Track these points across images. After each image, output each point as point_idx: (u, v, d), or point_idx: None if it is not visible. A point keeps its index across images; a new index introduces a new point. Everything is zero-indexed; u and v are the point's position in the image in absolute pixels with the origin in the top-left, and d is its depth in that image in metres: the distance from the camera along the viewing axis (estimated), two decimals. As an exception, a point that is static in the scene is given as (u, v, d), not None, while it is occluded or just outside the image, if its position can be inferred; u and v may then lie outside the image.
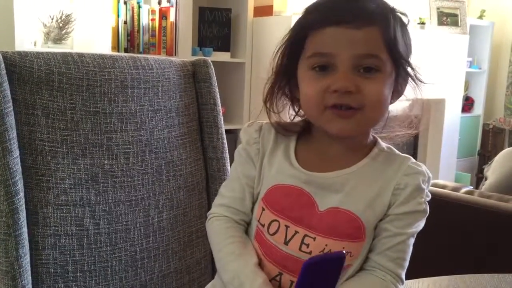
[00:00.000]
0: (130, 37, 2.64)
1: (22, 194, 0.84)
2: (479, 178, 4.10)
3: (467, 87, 4.26)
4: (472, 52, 4.13)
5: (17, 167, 0.83)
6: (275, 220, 0.74)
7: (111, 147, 0.95)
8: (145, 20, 2.68)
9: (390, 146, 0.78)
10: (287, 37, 0.75)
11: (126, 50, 2.61)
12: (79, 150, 0.92)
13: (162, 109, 1.02)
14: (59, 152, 0.89)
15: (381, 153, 0.76)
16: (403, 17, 0.74)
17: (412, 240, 0.74)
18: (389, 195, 0.73)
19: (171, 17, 2.74)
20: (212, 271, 1.10)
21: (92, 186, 0.92)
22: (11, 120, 0.83)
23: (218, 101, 1.10)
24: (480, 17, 4.21)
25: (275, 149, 0.78)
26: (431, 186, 0.76)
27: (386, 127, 0.78)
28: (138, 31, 2.65)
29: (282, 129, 0.78)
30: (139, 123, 0.99)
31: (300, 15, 0.75)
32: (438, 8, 3.77)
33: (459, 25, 3.80)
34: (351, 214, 0.72)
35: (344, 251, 0.66)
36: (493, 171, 1.98)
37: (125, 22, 2.61)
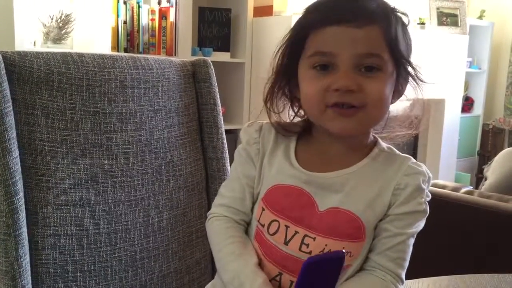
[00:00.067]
0: (129, 37, 2.64)
1: (21, 194, 0.84)
2: (478, 178, 4.10)
3: (467, 87, 4.27)
4: (472, 52, 4.13)
5: (17, 167, 0.83)
6: (275, 220, 0.74)
7: (111, 147, 0.95)
8: (145, 20, 2.68)
9: (391, 146, 0.78)
10: (287, 36, 0.75)
11: (126, 50, 2.61)
12: (78, 150, 0.92)
13: (162, 109, 1.02)
14: (58, 152, 0.89)
15: (381, 153, 0.76)
16: (403, 17, 0.74)
17: (412, 240, 0.74)
18: (389, 195, 0.72)
19: (171, 17, 2.74)
20: (212, 271, 1.10)
21: (91, 186, 0.92)
22: (10, 120, 0.83)
23: (218, 101, 1.10)
24: (480, 17, 4.21)
25: (275, 149, 0.78)
26: (431, 186, 0.76)
27: (387, 127, 0.78)
28: (138, 31, 2.65)
29: (282, 129, 0.78)
30: (139, 123, 0.99)
31: (301, 15, 0.75)
32: (438, 8, 3.77)
33: (459, 25, 3.80)
34: (351, 214, 0.72)
35: (343, 251, 0.66)
36: (493, 171, 1.98)
37: (125, 22, 2.61)
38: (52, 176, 0.88)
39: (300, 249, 0.73)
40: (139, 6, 2.64)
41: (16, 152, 0.84)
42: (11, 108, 0.84)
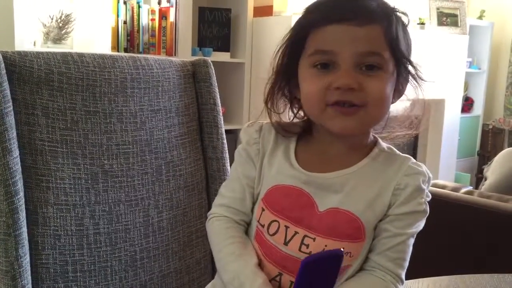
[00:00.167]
0: (130, 37, 2.64)
1: (22, 194, 0.84)
2: (478, 178, 4.10)
3: (466, 87, 4.27)
4: (472, 52, 4.13)
5: (17, 167, 0.83)
6: (275, 221, 0.74)
7: (111, 147, 0.95)
8: (145, 20, 2.68)
9: (391, 146, 0.78)
10: (287, 36, 0.75)
11: (126, 50, 2.61)
12: (79, 150, 0.92)
13: (162, 109, 1.02)
14: (59, 152, 0.89)
15: (381, 153, 0.76)
16: (403, 17, 0.74)
17: (412, 241, 0.74)
18: (389, 195, 0.72)
19: (171, 17, 2.74)
20: (212, 271, 1.10)
21: (92, 186, 0.92)
22: (11, 120, 0.83)
23: (218, 101, 1.10)
24: (480, 17, 4.21)
25: (275, 150, 0.78)
26: (430, 186, 0.76)
27: (387, 127, 0.78)
28: (138, 31, 2.65)
29: (283, 129, 0.78)
30: (139, 123, 0.99)
31: (301, 15, 0.75)
32: (437, 9, 3.77)
33: (459, 25, 3.80)
34: (351, 215, 0.72)
35: (342, 249, 0.65)
36: (493, 171, 1.98)
37: (125, 22, 2.61)
38: (52, 176, 0.88)
39: (300, 250, 0.73)
40: (139, 6, 2.64)
41: (16, 152, 0.84)
42: (11, 108, 0.84)
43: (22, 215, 0.83)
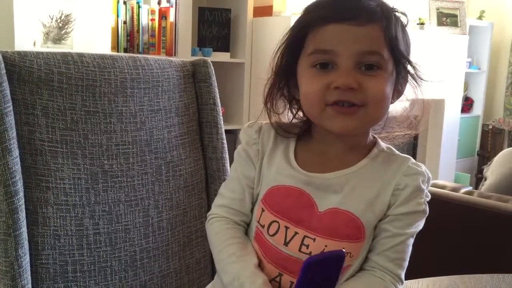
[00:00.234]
0: (129, 37, 2.64)
1: (21, 194, 0.84)
2: (478, 178, 4.10)
3: (466, 87, 4.27)
4: (472, 52, 4.13)
5: (17, 167, 0.83)
6: (275, 221, 0.74)
7: (111, 147, 0.95)
8: (144, 20, 2.68)
9: (390, 146, 0.78)
10: (286, 36, 0.75)
11: (125, 50, 2.61)
12: (78, 150, 0.92)
13: (161, 109, 1.02)
14: (58, 152, 0.89)
15: (380, 154, 0.76)
16: (402, 17, 0.74)
17: (411, 241, 0.74)
18: (389, 196, 0.72)
19: (171, 17, 2.74)
20: (211, 271, 1.10)
21: (91, 186, 0.92)
22: (10, 120, 0.83)
23: (218, 101, 1.10)
24: (480, 17, 4.22)
25: (275, 150, 0.78)
26: (430, 186, 0.76)
27: (386, 127, 0.78)
28: (138, 31, 2.65)
29: (282, 130, 0.78)
30: (139, 123, 0.99)
31: (300, 14, 0.75)
32: (437, 9, 3.77)
33: (459, 25, 3.80)
34: (350, 215, 0.72)
35: (343, 250, 0.65)
36: (493, 171, 1.98)
37: (125, 22, 2.61)
38: (52, 176, 0.88)
39: (300, 250, 0.73)
40: (139, 6, 2.64)
41: (16, 152, 0.84)
42: (11, 108, 0.84)
43: (22, 215, 0.83)
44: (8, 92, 0.84)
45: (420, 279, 0.94)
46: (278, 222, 0.74)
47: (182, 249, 1.05)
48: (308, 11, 0.74)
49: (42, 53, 0.91)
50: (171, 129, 1.04)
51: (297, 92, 0.75)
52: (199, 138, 1.09)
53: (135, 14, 2.64)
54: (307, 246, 0.72)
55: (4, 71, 0.84)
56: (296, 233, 0.73)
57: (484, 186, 1.94)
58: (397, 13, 0.73)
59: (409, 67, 0.74)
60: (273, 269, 0.74)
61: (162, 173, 1.02)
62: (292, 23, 0.76)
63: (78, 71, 0.92)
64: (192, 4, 2.80)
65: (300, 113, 0.79)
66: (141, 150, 0.99)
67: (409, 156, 0.76)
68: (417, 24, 3.65)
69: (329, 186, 0.73)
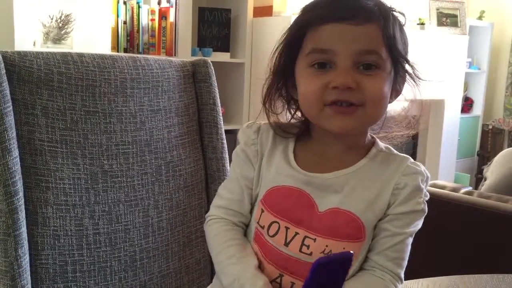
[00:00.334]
0: (129, 37, 2.64)
1: (21, 194, 0.84)
2: (478, 178, 4.10)
3: (466, 87, 4.27)
4: (472, 52, 4.13)
5: (17, 167, 0.83)
6: (275, 222, 0.74)
7: (111, 147, 0.95)
8: (144, 20, 2.68)
9: (389, 146, 0.78)
10: (284, 36, 0.75)
11: (125, 50, 2.61)
12: (78, 150, 0.92)
13: (161, 109, 1.02)
14: (58, 152, 0.89)
15: (379, 153, 0.76)
16: (400, 16, 0.74)
17: (410, 240, 0.74)
18: (388, 195, 0.73)
19: (171, 17, 2.74)
20: (211, 271, 1.10)
21: (91, 186, 0.92)
22: (10, 120, 0.83)
23: (218, 101, 1.10)
24: (480, 17, 4.22)
25: (274, 150, 0.77)
26: (430, 186, 0.77)
27: (384, 127, 0.78)
28: (138, 31, 2.65)
29: (281, 130, 0.77)
30: (139, 123, 0.99)
31: (298, 14, 0.75)
32: (437, 9, 3.77)
33: (459, 25, 3.80)
34: (351, 215, 0.72)
35: (351, 252, 0.65)
36: (492, 171, 1.98)
37: (125, 22, 2.61)
38: (52, 176, 0.88)
39: (300, 250, 0.73)
40: (139, 6, 2.64)
41: (16, 152, 0.84)
42: (11, 108, 0.84)
43: (22, 215, 0.83)
44: (8, 92, 0.84)
45: (420, 279, 0.93)
46: (278, 223, 0.74)
47: (182, 249, 1.05)
48: (306, 10, 0.74)
49: (42, 53, 0.90)
50: (171, 129, 1.04)
51: (295, 92, 0.75)
52: (199, 138, 1.09)
53: (135, 14, 2.64)
54: (308, 247, 0.72)
55: (4, 71, 0.84)
56: (296, 233, 0.73)
57: (484, 186, 1.94)
58: (394, 13, 0.73)
59: (407, 67, 0.74)
60: (274, 270, 0.74)
61: (162, 173, 1.02)
62: (292, 23, 0.76)
63: (78, 71, 0.92)
64: (192, 4, 2.80)
65: (299, 113, 0.78)
66: (141, 150, 0.99)
67: (408, 156, 0.76)
68: (417, 24, 3.65)
69: (329, 186, 0.73)
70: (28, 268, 0.84)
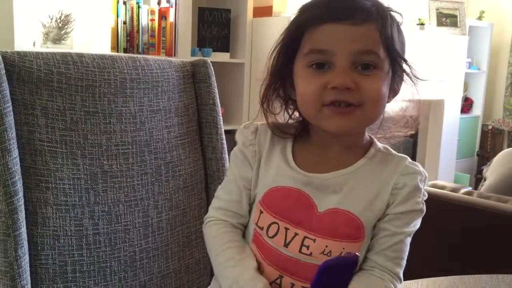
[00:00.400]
0: (129, 38, 2.64)
1: (21, 194, 0.84)
2: (478, 179, 4.10)
3: (466, 88, 4.27)
4: (471, 53, 4.13)
5: (16, 167, 0.83)
6: (275, 223, 0.74)
7: (111, 148, 0.95)
8: (144, 20, 2.68)
9: (386, 146, 0.78)
10: (282, 36, 0.75)
11: (125, 51, 2.61)
12: (78, 150, 0.92)
13: (161, 110, 1.02)
14: (58, 152, 0.89)
15: (377, 153, 0.76)
16: (397, 16, 0.74)
17: (409, 239, 0.74)
18: (387, 195, 0.73)
19: (171, 18, 2.74)
20: (211, 272, 1.10)
21: (91, 187, 0.92)
22: (10, 120, 0.83)
23: (218, 101, 1.10)
24: (479, 18, 4.22)
25: (272, 151, 0.77)
26: (430, 187, 0.77)
27: (382, 127, 0.78)
28: (138, 31, 2.65)
29: (279, 130, 0.77)
30: (139, 124, 0.99)
31: (296, 14, 0.75)
32: (437, 9, 3.77)
33: (458, 26, 3.80)
34: (350, 215, 0.72)
35: (357, 254, 0.66)
36: (492, 172, 1.98)
37: (125, 23, 2.61)
38: (52, 176, 0.88)
39: (300, 251, 0.73)
40: (138, 7, 2.64)
41: (15, 153, 0.84)
42: (11, 108, 0.84)
43: (22, 215, 0.83)
44: (7, 92, 0.84)
45: (420, 280, 0.94)
46: (277, 224, 0.74)
47: (181, 250, 1.05)
48: (304, 11, 0.74)
49: (41, 53, 0.90)
50: (171, 129, 1.04)
51: (293, 93, 0.75)
52: (198, 139, 1.09)
53: (135, 14, 2.64)
54: (308, 247, 0.72)
55: (4, 71, 0.84)
56: (296, 234, 0.73)
57: (484, 187, 1.94)
58: (392, 12, 0.73)
59: (404, 66, 0.74)
60: (273, 271, 0.74)
61: (162, 174, 1.02)
62: (292, 24, 0.76)
63: (78, 72, 0.92)
64: (192, 4, 2.80)
65: (296, 113, 0.78)
66: (141, 150, 0.99)
67: (406, 156, 0.76)
68: (417, 24, 3.65)
69: (328, 186, 0.73)
70: (28, 269, 0.84)
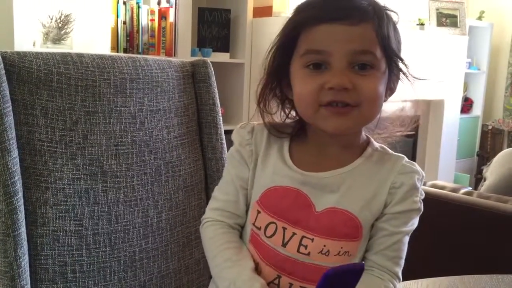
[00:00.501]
0: (129, 38, 2.64)
1: (21, 194, 0.84)
2: (478, 179, 4.10)
3: (466, 88, 4.27)
4: (471, 53, 4.13)
5: (16, 167, 0.83)
6: (272, 222, 0.74)
7: (110, 148, 0.95)
8: (144, 20, 2.68)
9: (383, 145, 0.78)
10: (278, 36, 0.75)
11: (125, 51, 2.61)
12: (78, 150, 0.92)
13: (161, 110, 1.02)
14: (58, 153, 0.89)
15: (374, 153, 0.76)
16: (393, 15, 0.74)
17: (407, 239, 0.75)
18: (385, 194, 0.73)
19: (171, 18, 2.74)
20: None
21: (91, 187, 0.92)
22: (10, 120, 0.83)
23: (217, 101, 1.10)
24: (479, 18, 4.22)
25: (268, 150, 0.77)
26: (430, 187, 0.77)
27: (379, 126, 0.78)
28: (138, 31, 2.65)
29: (275, 130, 0.77)
30: (138, 124, 0.99)
31: (291, 14, 0.75)
32: (437, 9, 3.77)
33: (458, 26, 3.80)
34: (348, 214, 0.72)
35: (363, 263, 0.65)
36: (492, 172, 1.98)
37: (125, 23, 2.61)
38: (51, 177, 0.88)
39: (298, 251, 0.73)
40: (138, 7, 2.64)
41: (15, 153, 0.84)
42: (11, 108, 0.84)
43: (21, 215, 0.83)
44: (7, 92, 0.84)
45: (419, 280, 0.94)
46: (275, 223, 0.74)
47: (181, 250, 1.05)
48: (299, 11, 0.74)
49: (41, 53, 0.90)
50: (171, 129, 1.04)
51: (290, 92, 0.75)
52: (198, 139, 1.09)
53: (134, 15, 2.64)
54: (306, 247, 0.72)
55: (4, 71, 0.84)
56: (294, 233, 0.73)
57: (484, 187, 1.94)
58: (388, 11, 0.73)
59: (401, 65, 0.74)
60: (271, 271, 0.74)
61: (162, 174, 1.02)
62: (292, 24, 0.76)
63: (78, 72, 0.92)
64: (192, 4, 2.80)
65: (293, 113, 0.78)
66: (141, 150, 0.99)
67: (402, 155, 0.76)
68: (417, 24, 3.65)
69: (325, 186, 0.73)
70: (27, 269, 0.84)
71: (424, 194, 0.75)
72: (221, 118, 1.11)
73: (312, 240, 0.72)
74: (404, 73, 0.74)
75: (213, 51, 2.95)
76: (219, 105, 1.11)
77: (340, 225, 0.72)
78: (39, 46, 2.45)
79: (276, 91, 0.77)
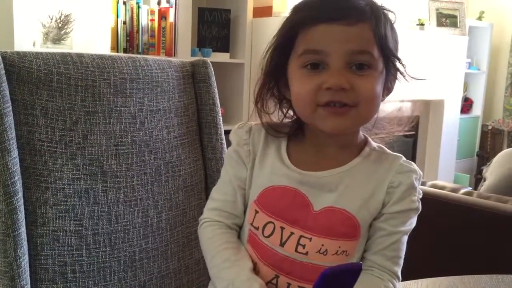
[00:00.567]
0: (129, 38, 2.64)
1: (20, 194, 0.84)
2: (477, 179, 4.11)
3: (466, 88, 4.27)
4: (471, 53, 4.13)
5: (16, 168, 0.83)
6: (270, 222, 0.74)
7: (110, 148, 0.95)
8: (144, 20, 2.68)
9: (381, 145, 0.78)
10: (276, 36, 0.75)
11: (125, 51, 2.61)
12: (78, 150, 0.92)
13: (161, 110, 1.02)
14: (58, 153, 0.89)
15: (372, 152, 0.76)
16: (390, 14, 0.74)
17: (406, 238, 0.75)
18: (383, 194, 0.73)
19: (171, 18, 2.74)
20: (211, 271, 1.10)
21: (91, 187, 0.92)
22: (10, 120, 0.83)
23: (217, 101, 1.10)
24: (479, 18, 4.22)
25: (266, 150, 0.77)
26: (429, 187, 0.77)
27: (376, 126, 0.78)
28: (138, 31, 2.65)
29: (273, 130, 0.77)
30: (138, 124, 0.99)
31: (289, 14, 0.75)
32: (437, 9, 3.77)
33: (458, 26, 3.80)
34: (346, 213, 0.72)
35: (361, 263, 0.65)
36: (492, 172, 1.98)
37: (124, 23, 2.61)
38: (51, 177, 0.88)
39: (296, 250, 0.73)
40: (138, 7, 2.64)
41: (15, 153, 0.84)
42: (11, 108, 0.84)
43: (21, 215, 0.83)
44: (7, 92, 0.84)
45: (419, 280, 0.94)
46: (273, 223, 0.74)
47: (181, 250, 1.05)
48: (296, 10, 0.74)
49: (41, 53, 0.90)
50: (171, 129, 1.04)
51: (288, 92, 0.75)
52: (198, 139, 1.09)
53: (134, 15, 2.64)
54: (304, 246, 0.72)
55: (3, 71, 0.84)
56: (292, 233, 0.73)
57: (483, 187, 1.94)
58: (385, 11, 0.74)
59: (398, 65, 0.74)
60: (269, 271, 0.74)
61: (162, 174, 1.02)
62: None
63: (78, 72, 0.92)
64: (192, 4, 2.80)
65: (291, 112, 0.78)
66: (141, 150, 0.99)
67: (400, 154, 0.76)
68: (417, 24, 3.65)
69: (323, 185, 0.73)
70: (27, 269, 0.84)
71: (421, 194, 0.75)
72: (221, 118, 1.11)
73: (310, 239, 0.72)
74: (401, 73, 0.74)
75: (213, 51, 2.96)
76: (219, 105, 1.11)
77: (338, 224, 0.72)
78: (39, 46, 2.45)
79: (273, 91, 0.77)
